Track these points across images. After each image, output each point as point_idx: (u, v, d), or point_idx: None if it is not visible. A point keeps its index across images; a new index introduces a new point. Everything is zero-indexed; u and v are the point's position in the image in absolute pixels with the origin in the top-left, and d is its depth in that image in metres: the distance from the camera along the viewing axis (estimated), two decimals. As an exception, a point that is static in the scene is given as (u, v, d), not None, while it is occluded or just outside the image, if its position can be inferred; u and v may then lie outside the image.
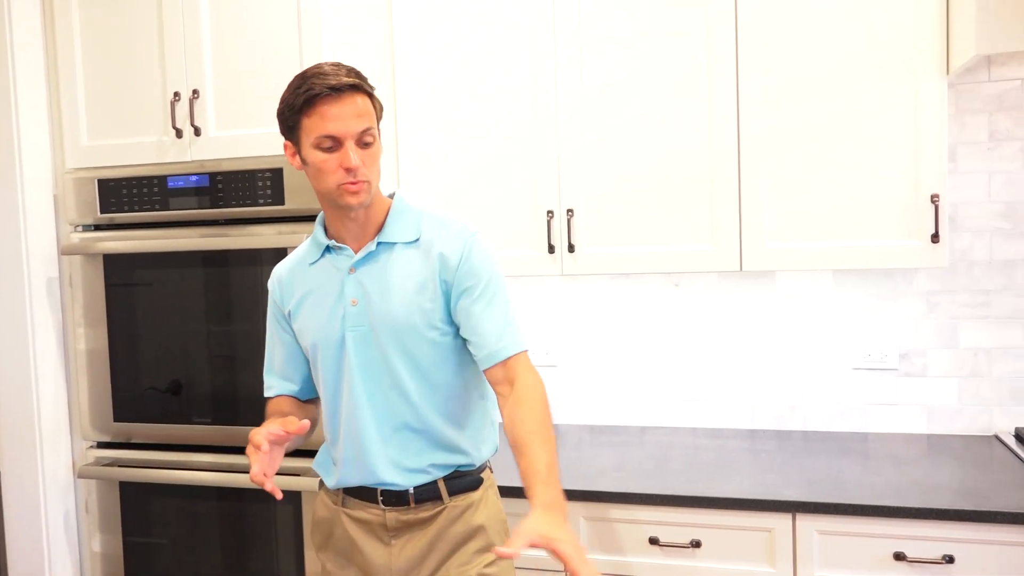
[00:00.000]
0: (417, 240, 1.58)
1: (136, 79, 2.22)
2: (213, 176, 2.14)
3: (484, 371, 1.55)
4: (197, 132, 2.17)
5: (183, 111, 2.17)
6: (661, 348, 2.51)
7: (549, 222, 2.23)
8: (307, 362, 1.67)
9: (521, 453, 1.43)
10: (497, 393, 1.55)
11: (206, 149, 2.17)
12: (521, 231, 2.27)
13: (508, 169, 2.27)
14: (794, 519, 1.84)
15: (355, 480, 1.61)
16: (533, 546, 1.25)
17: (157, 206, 2.18)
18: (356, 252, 1.58)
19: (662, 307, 2.50)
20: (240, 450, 2.13)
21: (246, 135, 2.14)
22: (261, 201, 2.10)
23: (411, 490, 1.59)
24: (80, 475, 2.30)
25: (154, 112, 2.21)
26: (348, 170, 1.47)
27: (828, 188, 2.06)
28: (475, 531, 1.60)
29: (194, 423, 2.20)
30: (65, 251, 2.25)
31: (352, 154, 1.47)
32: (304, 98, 1.46)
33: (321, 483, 1.70)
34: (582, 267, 2.22)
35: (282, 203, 2.09)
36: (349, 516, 1.63)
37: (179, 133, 2.17)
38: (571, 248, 2.22)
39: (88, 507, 2.32)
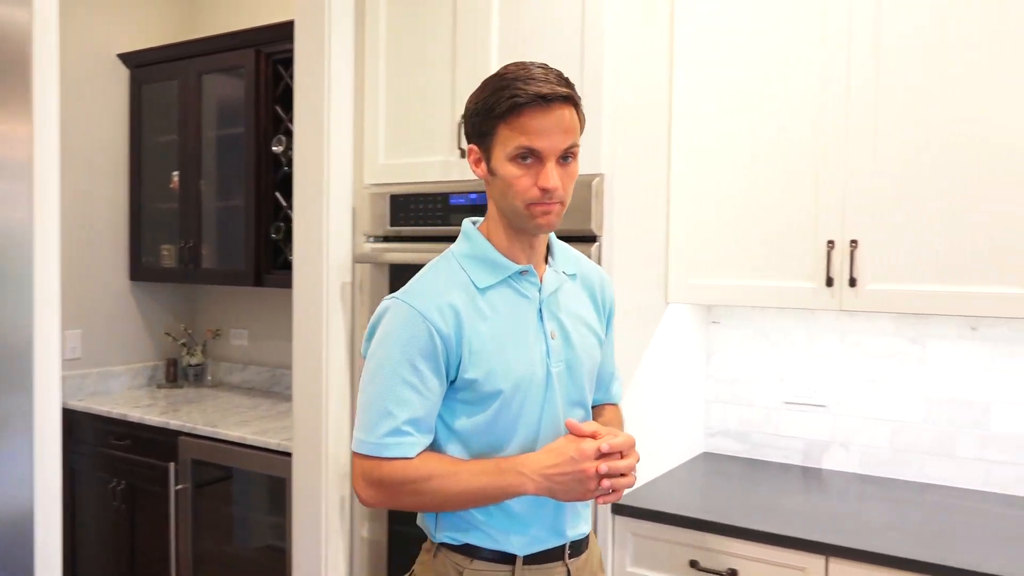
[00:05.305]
0: (575, 275, 1.54)
1: (427, 103, 2.38)
2: (491, 195, 2.25)
3: (596, 403, 1.62)
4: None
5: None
6: (950, 397, 2.25)
7: (829, 253, 2.09)
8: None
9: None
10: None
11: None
12: (795, 261, 2.15)
13: (787, 193, 2.16)
14: (1119, 615, 1.57)
15: (545, 539, 1.44)
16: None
17: (439, 221, 2.33)
18: (540, 279, 1.46)
19: (955, 351, 2.25)
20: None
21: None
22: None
23: (588, 534, 1.54)
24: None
25: (441, 133, 2.36)
26: (545, 190, 1.33)
27: None
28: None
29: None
30: (358, 259, 2.47)
31: (552, 173, 1.33)
32: (508, 104, 1.30)
33: (462, 555, 1.44)
34: (864, 303, 2.06)
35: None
36: None
37: (463, 153, 2.31)
38: (852, 282, 2.06)
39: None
